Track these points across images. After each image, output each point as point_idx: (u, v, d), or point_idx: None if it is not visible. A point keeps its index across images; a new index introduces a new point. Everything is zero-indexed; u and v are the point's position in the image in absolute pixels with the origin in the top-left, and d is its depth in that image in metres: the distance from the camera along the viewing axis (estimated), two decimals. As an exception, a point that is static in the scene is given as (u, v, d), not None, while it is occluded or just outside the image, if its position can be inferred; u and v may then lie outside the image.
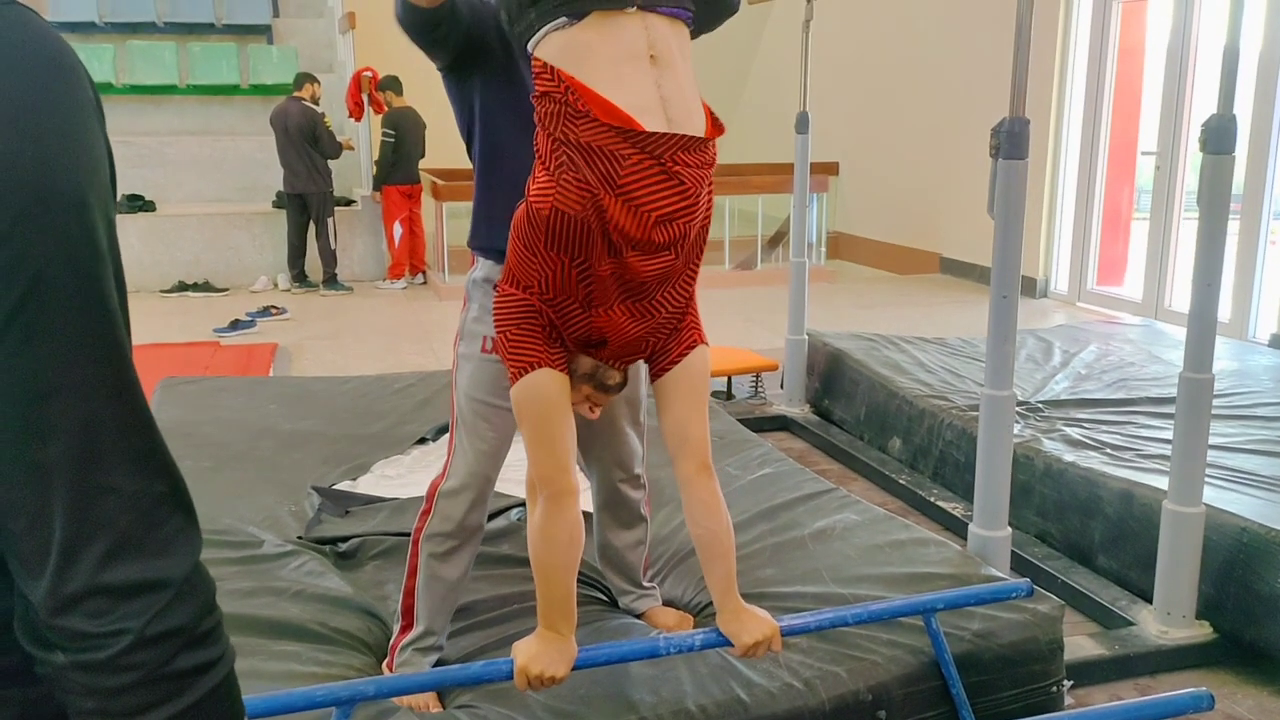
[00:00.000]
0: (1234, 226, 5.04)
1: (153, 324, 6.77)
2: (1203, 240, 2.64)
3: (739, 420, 3.98)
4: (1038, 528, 3.34)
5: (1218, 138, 2.58)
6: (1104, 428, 3.62)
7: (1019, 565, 2.96)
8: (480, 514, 2.16)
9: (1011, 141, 2.47)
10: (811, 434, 4.59)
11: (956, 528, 3.41)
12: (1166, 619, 2.73)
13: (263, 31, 10.51)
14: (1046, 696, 2.29)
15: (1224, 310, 4.91)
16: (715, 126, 1.69)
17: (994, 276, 2.57)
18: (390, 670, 2.19)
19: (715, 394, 5.02)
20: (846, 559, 2.57)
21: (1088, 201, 7.53)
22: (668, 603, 2.52)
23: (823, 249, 9.55)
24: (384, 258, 8.83)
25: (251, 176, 9.13)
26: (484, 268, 2.15)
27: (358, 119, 8.67)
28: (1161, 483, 2.84)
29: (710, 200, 1.72)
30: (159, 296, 8.08)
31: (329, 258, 8.29)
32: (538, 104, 1.62)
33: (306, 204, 8.14)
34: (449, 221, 8.05)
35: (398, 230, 8.50)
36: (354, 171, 9.06)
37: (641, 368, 1.92)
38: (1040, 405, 3.89)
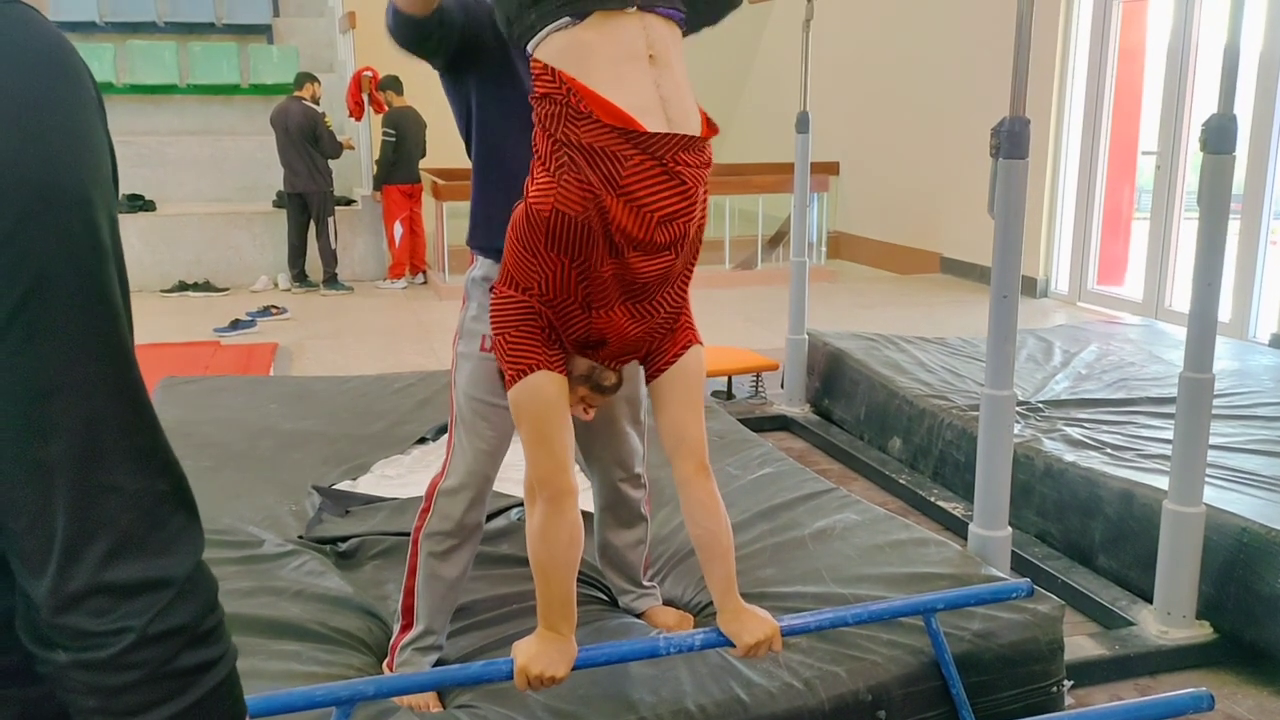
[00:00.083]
0: (1234, 226, 5.04)
1: (153, 324, 6.77)
2: (1203, 240, 2.64)
3: (739, 420, 3.98)
4: (1038, 528, 3.33)
5: (1218, 137, 2.58)
6: (1104, 427, 3.62)
7: (1019, 565, 2.96)
8: (479, 513, 2.16)
9: (1012, 141, 2.47)
10: (812, 434, 4.59)
11: (957, 528, 3.41)
12: (1167, 619, 2.73)
13: (263, 31, 10.51)
14: (1046, 696, 2.29)
15: (1224, 310, 4.91)
16: (710, 126, 1.69)
17: (994, 276, 2.57)
18: (390, 670, 2.19)
19: (715, 394, 5.03)
20: (846, 559, 2.57)
21: (1088, 201, 7.53)
22: (668, 602, 2.52)
23: (823, 249, 9.55)
24: (384, 257, 8.83)
25: (252, 176, 9.13)
26: (483, 266, 2.15)
27: (358, 119, 8.67)
28: (1162, 483, 2.84)
29: (706, 200, 1.72)
30: (159, 296, 8.08)
31: (329, 257, 8.29)
32: (537, 105, 1.62)
33: (307, 203, 8.14)
34: (449, 221, 8.05)
35: (398, 230, 8.50)
36: (354, 171, 9.06)
37: (638, 367, 1.92)
38: (1041, 405, 3.89)
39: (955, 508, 3.60)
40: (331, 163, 8.17)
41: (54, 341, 0.67)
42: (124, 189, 8.31)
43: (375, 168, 8.59)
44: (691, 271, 1.79)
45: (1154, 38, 7.27)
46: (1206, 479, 2.72)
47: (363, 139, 8.85)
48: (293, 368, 5.90)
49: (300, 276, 8.34)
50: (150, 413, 0.72)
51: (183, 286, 8.24)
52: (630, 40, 1.61)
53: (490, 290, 1.81)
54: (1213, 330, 2.68)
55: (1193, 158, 6.62)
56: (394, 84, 8.31)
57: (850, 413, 4.53)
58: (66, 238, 0.67)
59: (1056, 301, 7.79)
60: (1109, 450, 3.37)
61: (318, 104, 8.16)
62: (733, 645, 1.87)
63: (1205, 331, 2.66)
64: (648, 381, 1.84)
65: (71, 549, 0.68)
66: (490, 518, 2.84)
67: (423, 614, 2.17)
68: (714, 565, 1.85)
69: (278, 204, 8.58)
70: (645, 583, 2.49)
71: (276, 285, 8.46)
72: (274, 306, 7.33)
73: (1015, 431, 2.97)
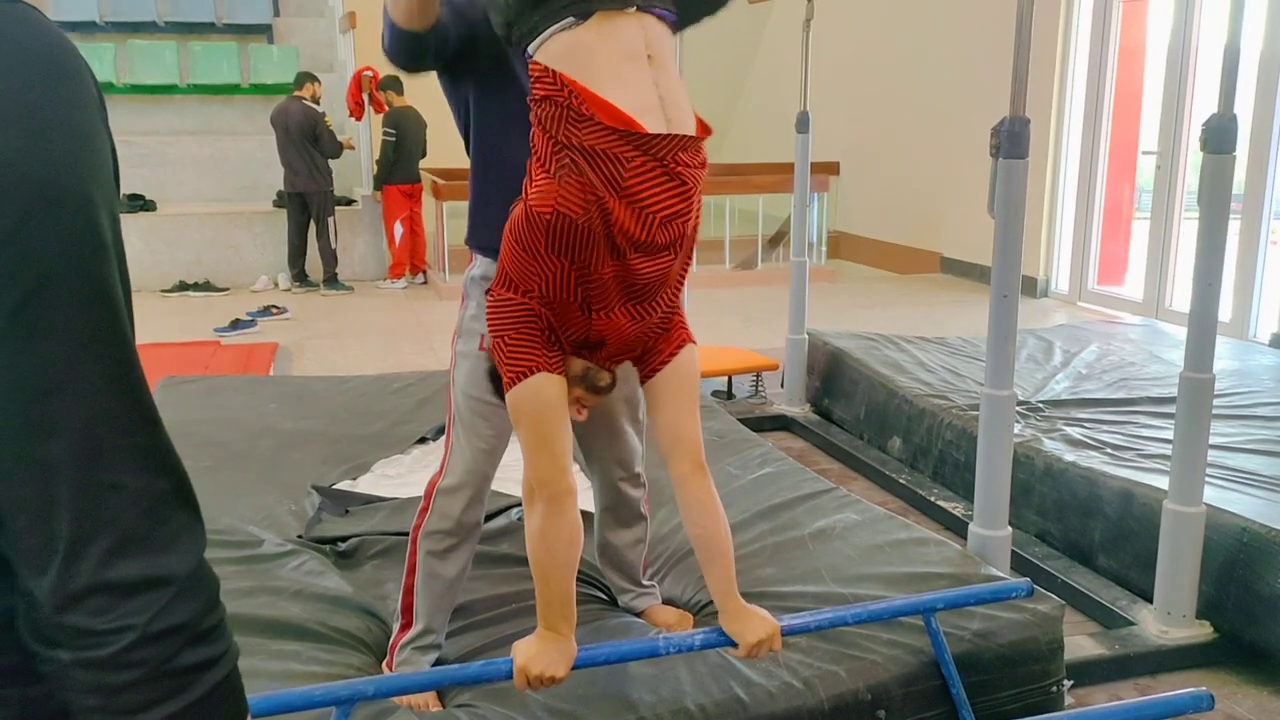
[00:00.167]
0: (1234, 226, 5.03)
1: (153, 323, 6.77)
2: (1203, 240, 2.64)
3: (739, 420, 3.98)
4: (1038, 527, 3.33)
5: (1218, 137, 2.58)
6: (1104, 427, 3.62)
7: (1019, 565, 2.96)
8: (478, 512, 2.16)
9: (1012, 141, 2.47)
10: (812, 433, 4.59)
11: (956, 527, 3.41)
12: (1167, 619, 2.73)
13: (263, 31, 10.51)
14: (1046, 696, 2.29)
15: (1225, 310, 4.92)
16: (704, 128, 1.70)
17: (994, 276, 2.57)
18: (389, 669, 2.19)
19: (715, 393, 5.03)
20: (846, 559, 2.57)
21: (1088, 201, 7.53)
22: (667, 601, 2.52)
23: (823, 248, 9.55)
24: (384, 257, 8.83)
25: (252, 176, 9.13)
26: (482, 265, 2.15)
27: (358, 118, 8.67)
28: (1162, 482, 2.84)
29: (701, 199, 1.73)
30: (160, 296, 8.08)
31: (329, 257, 8.29)
32: (537, 107, 1.62)
33: (307, 203, 8.14)
34: (449, 221, 8.05)
35: (398, 230, 8.50)
36: (355, 171, 9.06)
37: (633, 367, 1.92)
38: (1041, 405, 3.89)
39: (955, 507, 3.60)
40: (331, 162, 8.17)
41: (56, 340, 0.67)
42: (124, 189, 8.30)
43: (375, 167, 8.59)
44: (687, 271, 1.80)
45: (1154, 38, 7.27)
46: (1206, 479, 2.72)
47: (363, 139, 8.85)
48: (293, 368, 5.90)
49: (300, 276, 8.34)
50: (152, 411, 0.72)
51: (183, 286, 8.24)
52: (630, 40, 1.61)
53: (487, 293, 1.80)
54: (1213, 330, 2.68)
55: (1193, 157, 6.62)
56: (394, 84, 8.31)
57: (850, 412, 4.53)
58: (69, 237, 0.68)
59: (1057, 301, 7.79)
60: (1109, 450, 3.37)
61: (318, 104, 8.16)
62: (733, 645, 1.87)
63: (1205, 331, 2.66)
64: (642, 382, 1.84)
65: (73, 547, 0.68)
66: (490, 517, 2.85)
67: (422, 613, 2.17)
68: (714, 565, 1.85)
69: (278, 204, 8.58)
70: (645, 582, 2.49)
71: (277, 285, 8.46)
72: (274, 306, 7.33)
73: (1015, 431, 2.97)
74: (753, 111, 12.40)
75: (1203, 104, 6.57)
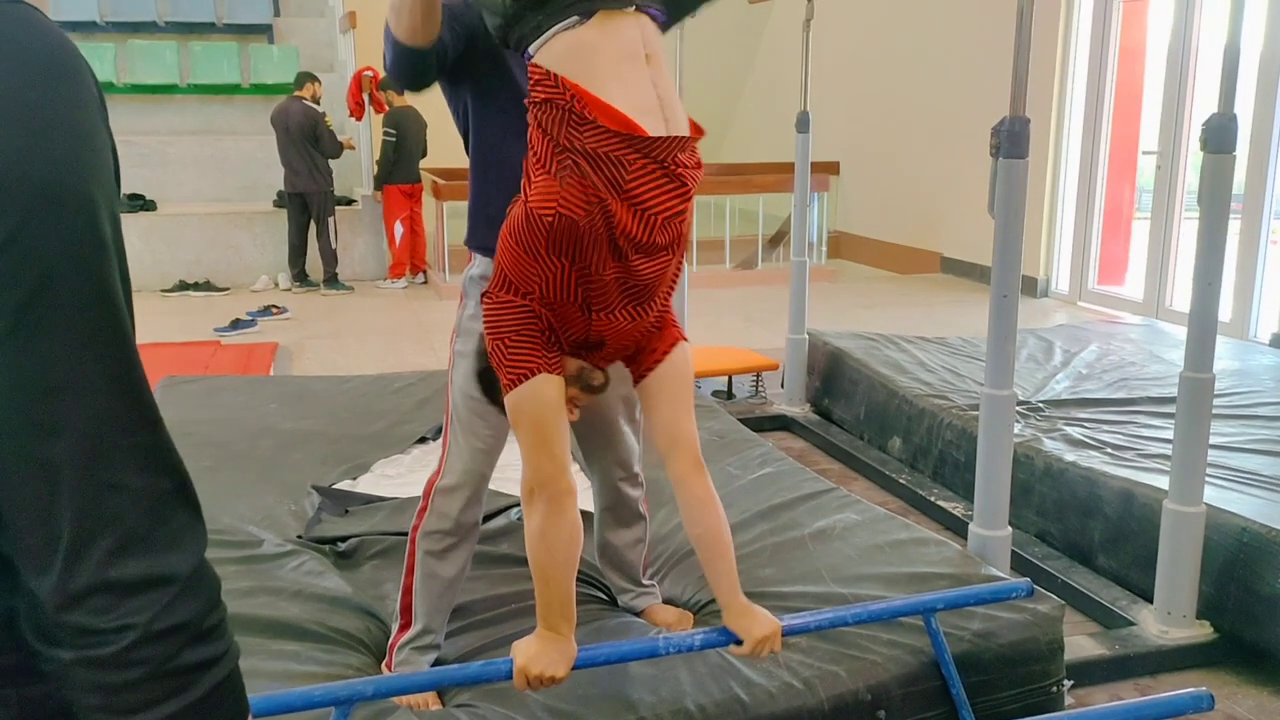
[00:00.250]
0: (1235, 226, 5.03)
1: (153, 323, 6.77)
2: (1203, 240, 2.64)
3: (739, 420, 3.98)
4: (1038, 527, 3.33)
5: (1218, 137, 2.58)
6: (1105, 427, 3.62)
7: (1019, 565, 2.96)
8: (476, 511, 2.16)
9: (1012, 141, 2.47)
10: (812, 433, 4.59)
11: (957, 527, 3.41)
12: (1167, 619, 2.73)
13: (263, 31, 10.51)
14: (1046, 696, 2.29)
15: (1225, 310, 4.92)
16: (696, 127, 1.71)
17: (994, 276, 2.57)
18: (389, 670, 2.19)
19: (715, 393, 5.03)
20: (846, 559, 2.57)
21: (1088, 201, 7.53)
22: (667, 601, 2.52)
23: (823, 248, 9.55)
24: (385, 257, 8.83)
25: (252, 176, 9.13)
26: (481, 265, 2.15)
27: (358, 118, 8.67)
28: (1162, 482, 2.84)
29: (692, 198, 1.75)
30: (160, 296, 8.08)
31: (330, 257, 8.29)
32: (538, 109, 1.62)
33: (307, 203, 8.14)
34: (449, 221, 8.05)
35: (399, 229, 8.50)
36: (355, 171, 9.06)
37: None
38: (1041, 405, 3.89)
39: (955, 507, 3.60)
40: (332, 162, 8.17)
41: (59, 341, 0.67)
42: (124, 189, 8.24)
43: (376, 167, 8.59)
44: (680, 270, 1.81)
45: (1154, 38, 7.27)
46: (1207, 479, 2.72)
47: (363, 139, 8.85)
48: (293, 367, 5.90)
49: (300, 276, 8.34)
50: (154, 411, 0.73)
51: (183, 286, 8.24)
52: (630, 40, 1.63)
53: (484, 295, 1.81)
54: (1213, 330, 2.68)
55: (1193, 157, 6.62)
56: (394, 84, 8.30)
57: (850, 412, 4.53)
58: (70, 238, 0.68)
59: (1057, 301, 7.79)
60: (1109, 450, 3.37)
61: (318, 104, 8.16)
62: (733, 644, 1.86)
63: (1205, 331, 2.66)
64: (636, 381, 1.85)
65: (75, 546, 0.68)
66: (489, 517, 2.85)
67: (420, 613, 2.17)
68: (716, 563, 1.84)
69: (278, 204, 8.58)
70: (645, 581, 2.49)
71: (277, 285, 8.46)
72: (274, 306, 7.33)
73: (1015, 431, 2.97)
74: (753, 111, 12.40)
75: (1203, 104, 6.57)
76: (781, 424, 4.80)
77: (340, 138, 8.22)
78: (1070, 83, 7.60)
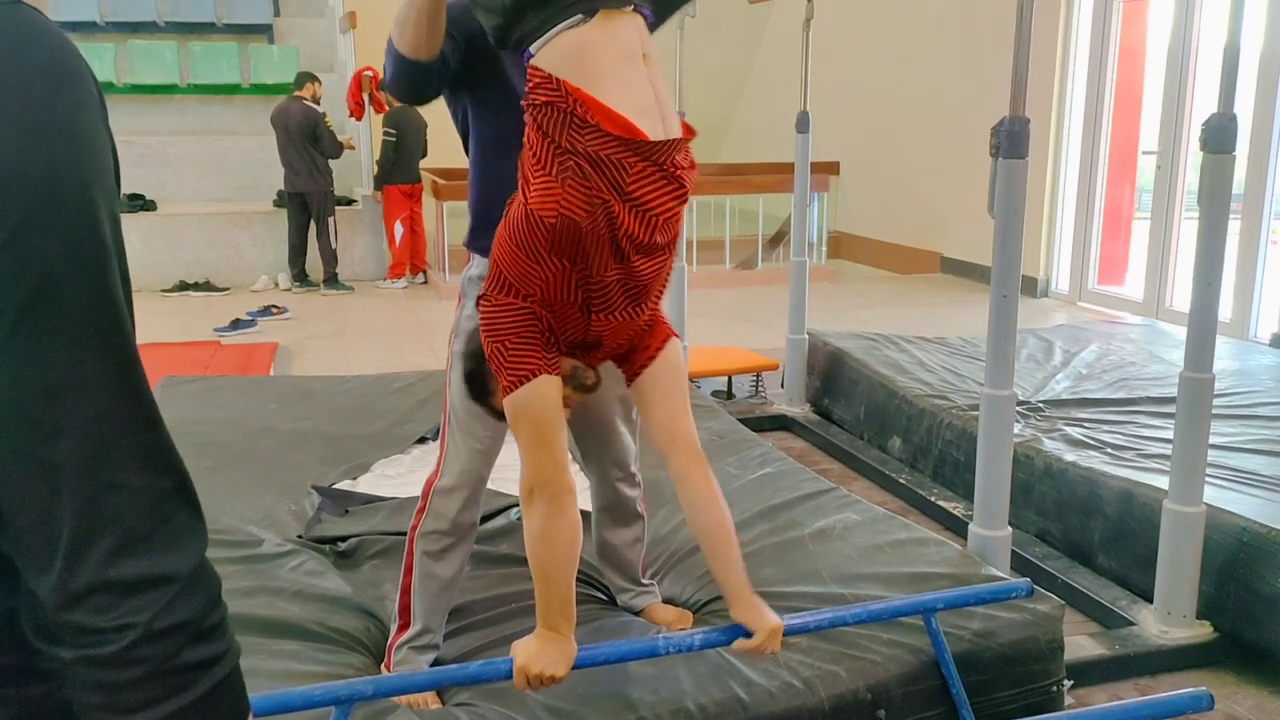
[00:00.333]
0: (1235, 226, 5.03)
1: (153, 323, 6.77)
2: (1203, 239, 2.64)
3: (739, 420, 3.98)
4: (1038, 527, 3.33)
5: (1218, 137, 2.58)
6: (1105, 427, 3.62)
7: (1019, 565, 2.96)
8: (474, 512, 2.16)
9: (1012, 141, 2.47)
10: (812, 433, 4.59)
11: (957, 527, 3.41)
12: (1167, 619, 2.73)
13: (263, 31, 10.51)
14: (1046, 696, 2.29)
15: (1225, 310, 4.92)
16: (688, 128, 1.73)
17: (994, 276, 2.57)
18: (388, 670, 2.19)
19: (715, 393, 5.03)
20: (846, 559, 2.57)
21: (1088, 201, 7.53)
22: (667, 601, 2.52)
23: (823, 248, 9.55)
24: (385, 257, 8.83)
25: (252, 176, 9.13)
26: (480, 265, 2.14)
27: (358, 118, 8.67)
28: (1162, 482, 2.84)
29: None
30: (160, 296, 8.08)
31: (330, 257, 8.29)
32: (538, 112, 1.62)
33: (307, 203, 8.14)
34: (449, 221, 8.06)
35: (399, 230, 8.50)
36: (355, 171, 9.06)
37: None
38: (1041, 405, 3.89)
39: (955, 507, 3.60)
40: (332, 162, 8.17)
41: (60, 341, 0.67)
42: (124, 189, 8.26)
43: (376, 167, 8.59)
44: (672, 269, 1.82)
45: (1154, 38, 7.27)
46: (1207, 479, 2.72)
47: (363, 139, 8.85)
48: (293, 368, 5.91)
49: (300, 276, 8.34)
50: (154, 411, 0.73)
51: (183, 286, 8.24)
52: (628, 39, 1.64)
53: (480, 298, 1.81)
54: (1213, 330, 2.68)
55: (1193, 157, 6.62)
56: (394, 84, 8.30)
57: (850, 412, 4.53)
58: (71, 239, 0.68)
59: (1057, 301, 7.79)
60: (1109, 450, 3.37)
61: (318, 104, 8.16)
62: (740, 638, 1.84)
63: (1205, 331, 2.66)
64: (629, 380, 1.85)
65: (76, 546, 0.68)
66: (488, 518, 2.85)
67: (419, 613, 2.17)
68: (723, 556, 1.84)
69: (278, 204, 8.58)
70: (644, 581, 2.49)
71: (277, 285, 8.46)
72: (274, 306, 7.33)
73: (1015, 431, 2.97)
74: (753, 111, 12.41)
75: (1203, 104, 6.57)
76: (781, 424, 4.80)
77: (340, 138, 8.23)
78: (1070, 82, 7.60)
